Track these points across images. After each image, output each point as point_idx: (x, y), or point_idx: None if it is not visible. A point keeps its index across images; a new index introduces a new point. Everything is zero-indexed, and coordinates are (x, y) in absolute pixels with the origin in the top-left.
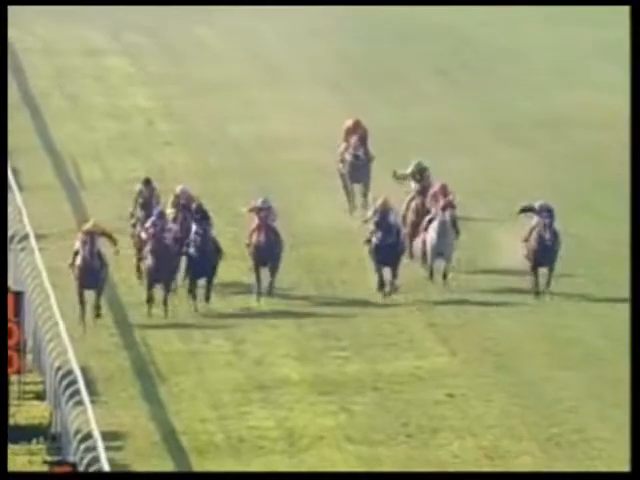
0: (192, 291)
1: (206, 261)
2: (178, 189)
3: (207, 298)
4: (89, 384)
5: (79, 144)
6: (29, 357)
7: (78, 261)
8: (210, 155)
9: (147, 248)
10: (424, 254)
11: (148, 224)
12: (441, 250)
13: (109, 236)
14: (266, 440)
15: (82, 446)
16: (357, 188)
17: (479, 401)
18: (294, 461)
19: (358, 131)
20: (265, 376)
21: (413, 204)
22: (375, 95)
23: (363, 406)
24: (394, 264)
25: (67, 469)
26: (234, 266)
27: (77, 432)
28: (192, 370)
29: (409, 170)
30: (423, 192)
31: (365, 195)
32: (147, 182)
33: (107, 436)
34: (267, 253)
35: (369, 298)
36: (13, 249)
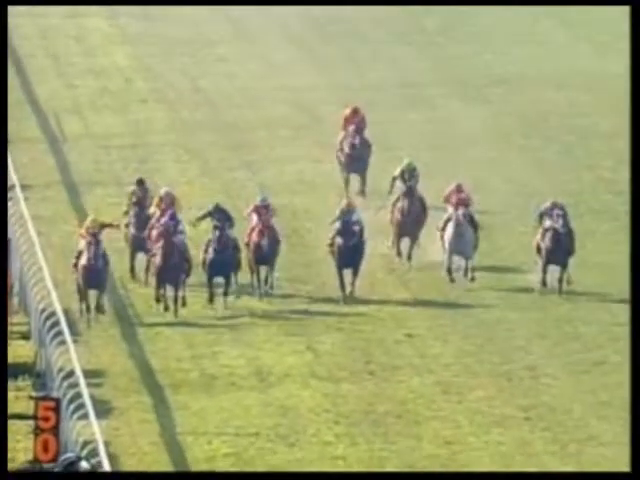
0: (210, 290)
1: (224, 260)
2: (162, 191)
3: (225, 296)
4: (71, 325)
5: (61, 100)
6: (15, 300)
7: (82, 262)
8: (183, 111)
9: (157, 246)
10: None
11: (161, 222)
12: (459, 248)
13: (111, 226)
14: (237, 377)
15: (65, 383)
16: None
17: (437, 341)
18: (263, 396)
19: (355, 120)
20: (236, 318)
21: (399, 205)
22: (339, 54)
23: (328, 345)
24: (356, 265)
25: (51, 404)
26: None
27: (60, 370)
28: (168, 313)
29: (398, 170)
30: (409, 193)
31: (363, 184)
32: (140, 182)
33: (88, 373)
34: (267, 253)
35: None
36: None
